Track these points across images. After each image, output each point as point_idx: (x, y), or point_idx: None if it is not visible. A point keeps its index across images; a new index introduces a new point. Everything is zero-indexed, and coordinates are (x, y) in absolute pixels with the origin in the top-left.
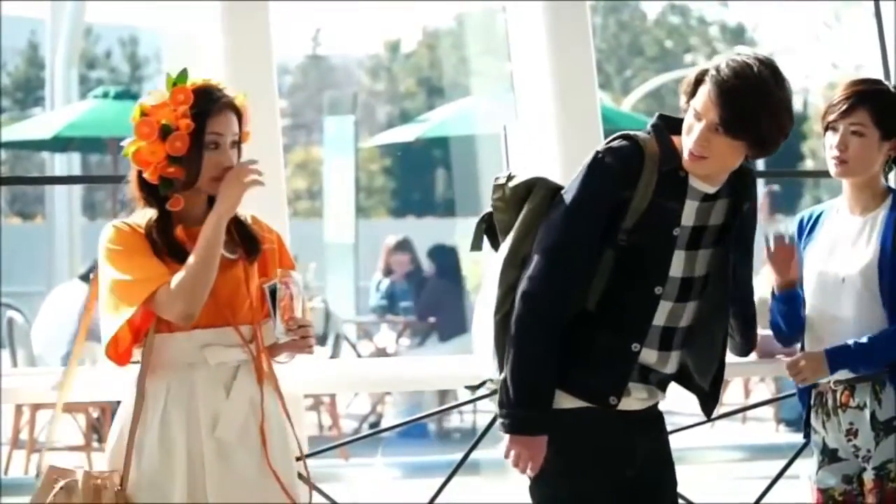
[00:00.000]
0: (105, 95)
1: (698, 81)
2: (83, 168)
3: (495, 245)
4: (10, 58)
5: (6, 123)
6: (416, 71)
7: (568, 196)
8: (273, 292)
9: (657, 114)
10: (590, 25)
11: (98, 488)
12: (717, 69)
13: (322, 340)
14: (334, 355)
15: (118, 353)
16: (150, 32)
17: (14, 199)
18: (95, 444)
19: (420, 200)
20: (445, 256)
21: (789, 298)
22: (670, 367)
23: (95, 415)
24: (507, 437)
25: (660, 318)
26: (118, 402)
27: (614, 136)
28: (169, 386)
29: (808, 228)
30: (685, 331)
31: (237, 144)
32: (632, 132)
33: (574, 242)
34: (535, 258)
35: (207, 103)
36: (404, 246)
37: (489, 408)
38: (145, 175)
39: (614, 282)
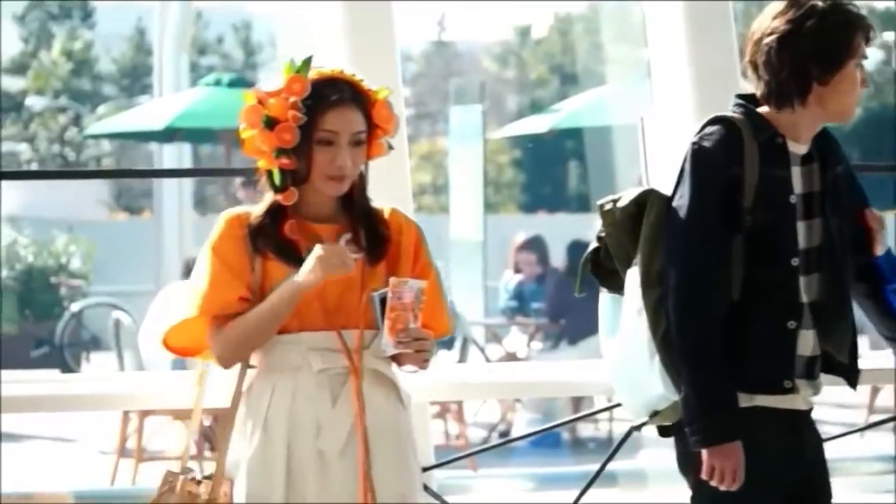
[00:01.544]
0: (217, 83)
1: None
2: (194, 160)
3: (607, 282)
4: (116, 44)
5: (111, 112)
6: (547, 58)
7: (681, 197)
8: (382, 301)
9: (734, 95)
10: (731, 9)
11: (192, 495)
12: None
13: (448, 344)
14: (461, 360)
15: (180, 345)
16: (263, 17)
17: (120, 193)
18: (207, 454)
19: (552, 195)
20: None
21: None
22: (816, 349)
23: (207, 422)
24: (703, 453)
25: (803, 294)
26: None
27: (702, 124)
28: (273, 389)
29: None
30: (818, 306)
31: (360, 144)
32: (718, 115)
33: (703, 240)
34: (672, 269)
35: (323, 97)
36: (534, 244)
37: (626, 416)
38: (259, 164)
39: (751, 265)
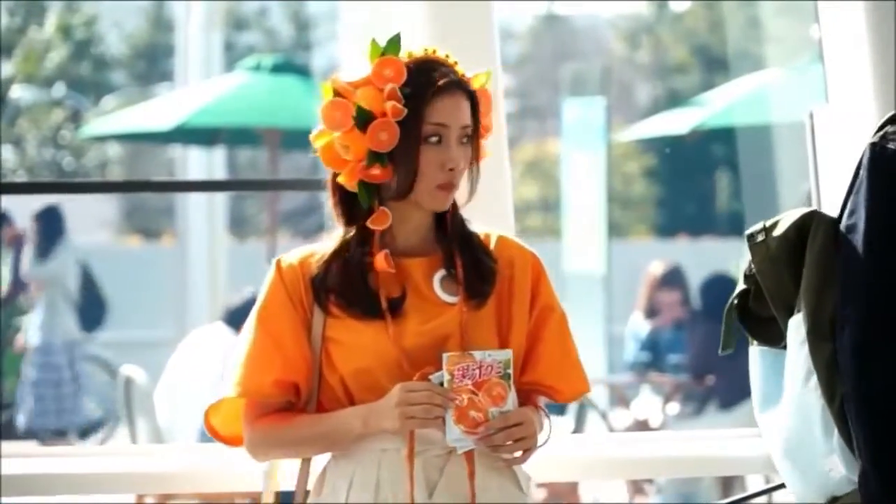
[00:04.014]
0: (258, 68)
1: None
2: (229, 169)
3: (760, 333)
4: (127, 17)
5: (121, 106)
6: (689, 36)
7: (855, 215)
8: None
9: None
10: None
11: None
12: None
13: (561, 409)
14: (577, 429)
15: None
16: None
17: (132, 212)
18: None
19: (696, 214)
20: (728, 292)
21: None
22: None
23: None
24: None
25: None
26: (284, 494)
27: (882, 123)
28: (351, 481)
29: None
30: None
31: (471, 140)
32: None
33: (891, 271)
34: (850, 314)
35: (427, 82)
36: (675, 278)
37: (787, 499)
38: (340, 180)
39: None
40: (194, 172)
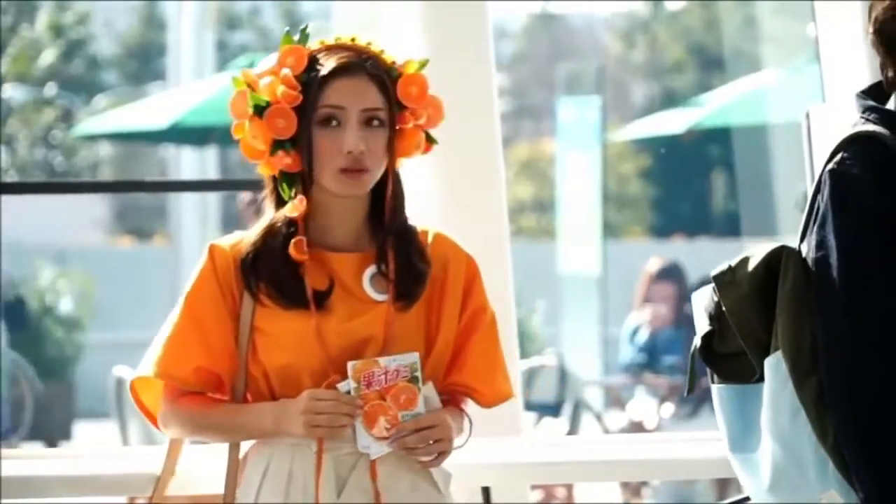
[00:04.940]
0: (250, 67)
1: None
2: (221, 168)
3: (723, 371)
4: (119, 16)
5: (113, 106)
6: (685, 35)
7: (831, 246)
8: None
9: (857, 95)
10: None
11: None
12: None
13: (556, 410)
14: (572, 431)
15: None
16: None
17: (124, 212)
18: None
19: (692, 215)
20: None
21: None
22: None
23: None
24: None
25: None
26: None
27: (837, 146)
28: (265, 470)
29: None
30: None
31: (377, 125)
32: (858, 131)
33: (869, 301)
34: (829, 349)
35: (323, 66)
36: (672, 275)
37: None
38: (259, 170)
39: None
40: (186, 172)
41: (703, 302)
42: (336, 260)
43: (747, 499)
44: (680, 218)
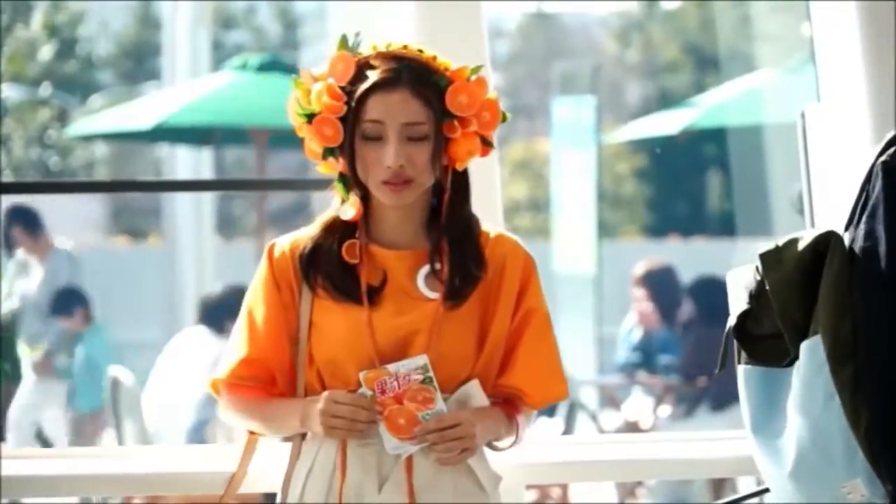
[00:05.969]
0: (245, 66)
1: None
2: (217, 169)
3: (755, 352)
4: (114, 16)
5: (108, 106)
6: (680, 35)
7: (881, 239)
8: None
9: None
10: None
11: None
12: None
13: (550, 411)
14: (567, 431)
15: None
16: None
17: (119, 213)
18: None
19: (687, 215)
20: (717, 293)
21: None
22: None
23: None
24: None
25: None
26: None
27: (890, 140)
28: (311, 466)
29: None
30: None
31: (421, 140)
32: None
33: None
34: (870, 337)
35: (365, 79)
36: (648, 282)
37: None
38: (320, 169)
39: None
40: (181, 172)
41: (743, 280)
42: (391, 257)
43: (753, 495)
44: (675, 218)
